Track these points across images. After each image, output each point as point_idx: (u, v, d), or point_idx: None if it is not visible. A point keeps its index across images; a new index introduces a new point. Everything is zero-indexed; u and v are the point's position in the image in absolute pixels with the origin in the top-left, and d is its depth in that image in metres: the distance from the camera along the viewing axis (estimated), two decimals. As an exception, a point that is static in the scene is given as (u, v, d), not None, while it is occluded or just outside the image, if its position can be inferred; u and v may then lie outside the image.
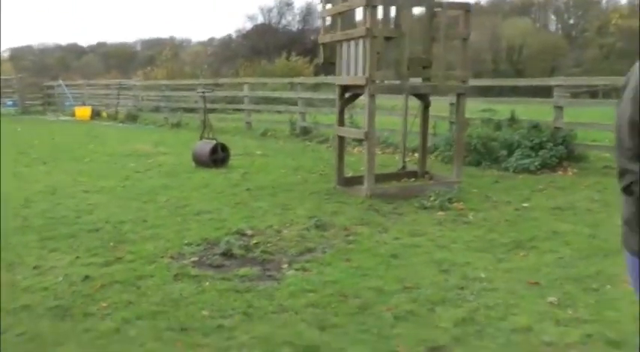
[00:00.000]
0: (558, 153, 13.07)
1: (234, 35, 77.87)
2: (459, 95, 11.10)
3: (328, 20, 11.71)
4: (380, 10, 10.38)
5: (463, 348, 4.77)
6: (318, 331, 5.05)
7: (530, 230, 8.25)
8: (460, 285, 6.12)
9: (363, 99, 10.88)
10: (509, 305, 5.60)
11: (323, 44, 11.59)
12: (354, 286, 6.07)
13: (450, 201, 9.71)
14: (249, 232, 8.11)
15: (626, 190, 2.69)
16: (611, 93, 33.30)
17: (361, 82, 10.23)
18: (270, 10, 73.56)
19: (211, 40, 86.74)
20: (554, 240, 7.78)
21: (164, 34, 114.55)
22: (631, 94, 2.64)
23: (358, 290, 5.94)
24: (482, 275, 6.43)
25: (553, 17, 73.22)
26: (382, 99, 17.09)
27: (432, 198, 9.77)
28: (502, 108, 16.37)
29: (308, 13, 70.60)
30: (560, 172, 12.67)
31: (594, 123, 15.08)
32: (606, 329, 5.08)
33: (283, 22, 73.93)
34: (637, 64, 2.69)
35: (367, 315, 5.38)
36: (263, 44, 64.43)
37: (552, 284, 6.16)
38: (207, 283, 6.17)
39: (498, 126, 14.50)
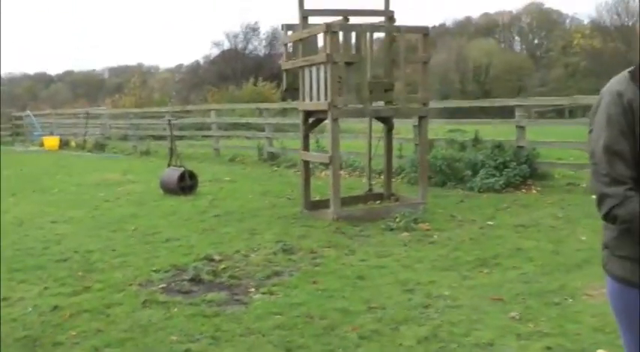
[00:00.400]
0: (522, 171, 13.27)
1: (201, 61, 78.04)
2: (420, 117, 11.27)
3: (290, 47, 11.87)
4: (340, 35, 10.55)
5: (427, 365, 4.89)
6: (285, 352, 5.14)
7: (495, 247, 8.40)
8: (424, 304, 6.24)
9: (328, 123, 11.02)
10: (472, 321, 5.73)
11: (285, 70, 11.75)
12: (320, 307, 6.16)
13: (415, 221, 9.84)
14: (217, 257, 8.18)
15: (608, 217, 2.65)
16: (577, 111, 33.88)
17: (324, 106, 10.38)
18: (236, 36, 73.83)
19: (179, 66, 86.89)
20: (518, 257, 7.93)
21: (132, 62, 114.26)
22: (604, 119, 2.64)
23: (324, 312, 6.04)
24: (447, 293, 6.55)
25: (517, 38, 74.21)
26: (350, 123, 17.27)
27: (397, 220, 9.90)
28: (470, 129, 16.58)
29: (274, 38, 70.85)
30: (524, 190, 12.87)
31: (557, 141, 15.34)
32: (567, 341, 5.22)
33: (250, 47, 74.22)
34: (607, 86, 2.72)
35: (333, 336, 5.48)
36: (230, 70, 64.64)
37: (515, 300, 6.30)
38: (176, 309, 6.24)
39: (463, 147, 14.70)
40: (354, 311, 6.08)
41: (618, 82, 2.64)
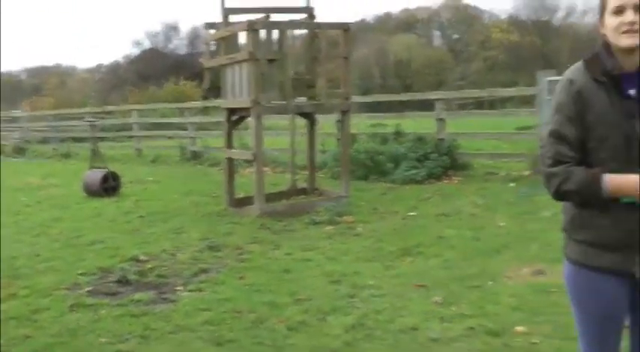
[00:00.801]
0: (443, 163, 13.56)
1: (121, 61, 76.88)
2: (343, 112, 11.43)
3: (212, 45, 11.89)
4: (262, 33, 10.61)
5: (354, 351, 5.03)
6: (214, 347, 5.21)
7: (417, 237, 8.60)
8: (350, 294, 6.39)
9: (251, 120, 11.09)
10: (396, 308, 5.90)
11: (207, 69, 11.77)
12: (247, 302, 6.25)
13: (339, 215, 10.00)
14: (143, 258, 8.18)
15: (558, 195, 2.80)
16: (496, 103, 34.63)
17: (247, 104, 10.44)
18: (156, 35, 73.08)
19: (99, 66, 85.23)
20: (440, 245, 8.16)
21: (49, 62, 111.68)
22: (554, 105, 2.81)
23: (252, 306, 6.13)
24: (371, 282, 6.71)
25: (437, 33, 75.27)
26: (273, 120, 17.34)
27: (321, 214, 10.05)
28: (392, 123, 16.80)
29: (195, 36, 70.34)
30: (445, 181, 13.16)
31: (477, 132, 15.73)
32: (487, 321, 5.45)
33: (170, 46, 73.52)
34: (564, 74, 2.88)
35: (261, 329, 5.58)
36: (151, 69, 63.83)
37: (437, 286, 6.50)
38: (104, 311, 6.23)
39: (385, 140, 14.92)
40: (281, 303, 6.18)
41: (572, 70, 2.83)
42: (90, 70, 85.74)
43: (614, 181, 2.66)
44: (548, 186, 2.82)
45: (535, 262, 6.98)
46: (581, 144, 2.75)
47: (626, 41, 2.67)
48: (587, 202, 2.76)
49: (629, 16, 2.65)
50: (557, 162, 2.76)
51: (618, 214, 2.72)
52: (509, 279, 6.60)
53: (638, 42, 2.65)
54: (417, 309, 5.85)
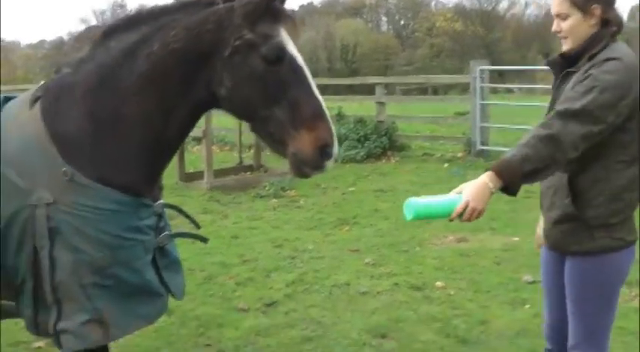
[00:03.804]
0: (382, 144, 14.27)
1: (65, 38, 76.04)
2: (288, 93, 12.05)
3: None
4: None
5: (294, 302, 5.77)
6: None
7: (354, 209, 9.34)
8: (292, 256, 7.13)
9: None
10: (332, 268, 6.65)
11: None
12: (199, 262, 6.90)
13: (283, 189, 10.68)
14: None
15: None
16: (439, 89, 35.62)
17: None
18: (103, 13, 72.54)
19: (42, 42, 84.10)
20: (375, 217, 8.90)
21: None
22: None
23: (203, 265, 6.81)
24: (311, 247, 7.45)
25: (384, 18, 75.91)
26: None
27: (267, 188, 10.72)
28: (335, 106, 17.40)
29: (142, 15, 69.87)
30: (384, 161, 13.86)
31: (414, 116, 16.51)
32: (411, 278, 6.24)
33: (118, 24, 72.85)
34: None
35: (212, 283, 6.30)
36: (96, 46, 63.37)
37: (370, 250, 7.27)
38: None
39: (328, 122, 15.58)
40: (230, 263, 6.89)
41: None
42: (32, 46, 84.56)
43: None
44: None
45: (459, 232, 7.69)
46: None
47: (562, 47, 3.15)
48: None
49: (554, 25, 3.12)
50: None
51: None
52: (435, 245, 7.38)
53: (568, 47, 3.09)
54: (350, 269, 6.60)
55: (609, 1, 3.05)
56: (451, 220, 2.84)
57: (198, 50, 2.88)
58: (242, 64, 2.84)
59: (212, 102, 3.01)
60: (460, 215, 2.80)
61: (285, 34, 2.91)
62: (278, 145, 2.93)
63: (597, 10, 2.99)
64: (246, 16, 2.84)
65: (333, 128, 2.88)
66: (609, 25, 3.04)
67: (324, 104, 2.89)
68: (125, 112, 2.92)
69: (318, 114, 2.86)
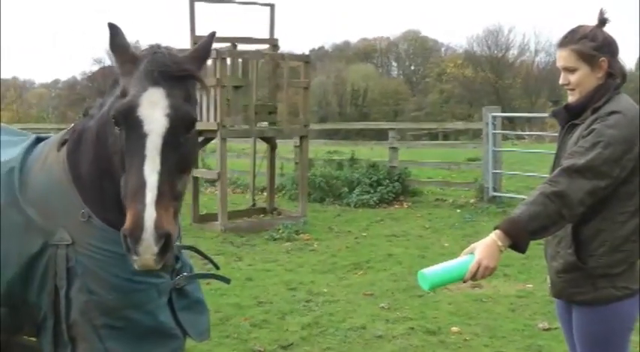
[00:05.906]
0: (394, 188, 14.35)
1: (79, 77, 76.56)
2: (301, 137, 12.21)
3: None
4: (229, 61, 11.34)
5: (310, 345, 5.81)
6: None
7: (368, 254, 9.38)
8: (306, 299, 7.17)
9: (214, 143, 11.81)
10: (347, 312, 6.69)
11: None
12: (214, 303, 6.90)
13: (296, 232, 10.74)
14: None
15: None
16: (450, 135, 35.75)
17: (213, 126, 11.12)
18: (117, 54, 72.87)
19: (55, 81, 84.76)
20: (388, 261, 8.94)
21: (6, 75, 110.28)
22: None
23: (219, 306, 6.83)
24: (325, 290, 7.49)
25: (394, 63, 76.38)
26: (232, 143, 18.01)
27: (280, 231, 10.77)
28: (347, 150, 17.55)
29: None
30: (396, 206, 13.93)
31: (427, 162, 16.60)
32: (426, 323, 6.28)
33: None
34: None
35: (228, 325, 6.34)
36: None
37: (385, 294, 7.29)
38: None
39: (340, 166, 15.70)
40: (245, 305, 6.94)
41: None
42: (46, 85, 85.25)
43: None
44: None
45: (473, 278, 7.72)
46: None
47: (569, 98, 3.21)
48: None
49: (561, 78, 3.19)
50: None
51: None
52: (450, 291, 7.38)
53: (575, 99, 3.14)
54: (365, 312, 6.64)
55: (614, 53, 3.12)
56: (465, 282, 2.90)
57: None
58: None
59: None
60: (474, 274, 2.84)
61: (154, 92, 2.67)
62: None
63: (605, 62, 3.07)
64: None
65: (150, 212, 2.46)
66: (613, 77, 3.10)
67: (149, 182, 2.53)
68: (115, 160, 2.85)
69: (134, 194, 2.54)
